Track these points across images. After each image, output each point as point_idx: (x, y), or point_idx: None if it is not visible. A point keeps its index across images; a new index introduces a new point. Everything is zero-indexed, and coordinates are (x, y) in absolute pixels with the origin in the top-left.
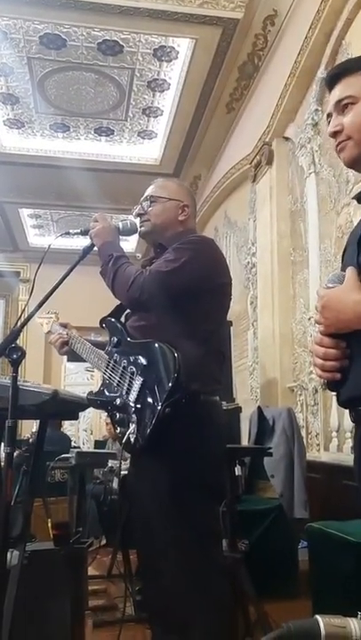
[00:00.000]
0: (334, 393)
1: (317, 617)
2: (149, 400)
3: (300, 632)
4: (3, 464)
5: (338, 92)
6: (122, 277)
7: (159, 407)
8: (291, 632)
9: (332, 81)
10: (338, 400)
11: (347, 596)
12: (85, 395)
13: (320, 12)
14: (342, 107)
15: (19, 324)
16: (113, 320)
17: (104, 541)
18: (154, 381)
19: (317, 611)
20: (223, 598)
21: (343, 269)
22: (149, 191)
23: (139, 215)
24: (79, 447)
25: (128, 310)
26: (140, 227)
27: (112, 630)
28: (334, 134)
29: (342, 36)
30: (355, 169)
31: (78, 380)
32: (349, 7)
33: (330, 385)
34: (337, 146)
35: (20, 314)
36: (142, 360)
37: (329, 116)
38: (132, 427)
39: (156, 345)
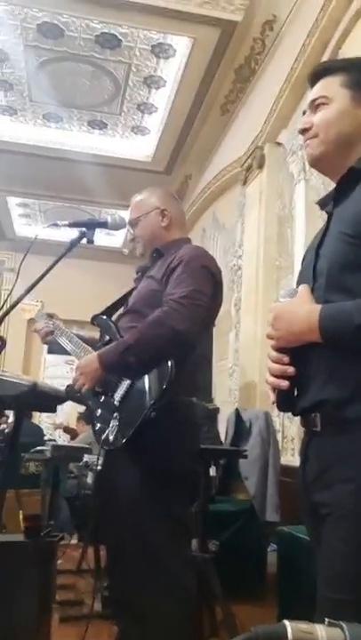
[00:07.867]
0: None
1: (285, 622)
2: (136, 401)
3: (266, 636)
4: None
5: (315, 90)
6: (150, 343)
7: (146, 410)
8: (258, 636)
9: (312, 79)
10: (293, 411)
11: (313, 601)
12: (64, 388)
13: (318, 20)
14: (315, 106)
15: (1, 313)
16: (105, 318)
17: (75, 537)
18: (143, 384)
19: (284, 614)
20: (188, 592)
21: (300, 280)
22: (128, 217)
23: (132, 241)
24: (55, 440)
25: (121, 310)
26: (137, 250)
27: (78, 625)
28: (303, 131)
29: (339, 45)
30: (318, 169)
31: (58, 372)
32: (347, 18)
33: (281, 404)
34: (305, 142)
35: (2, 303)
36: None
37: (304, 113)
38: (113, 424)
39: None
